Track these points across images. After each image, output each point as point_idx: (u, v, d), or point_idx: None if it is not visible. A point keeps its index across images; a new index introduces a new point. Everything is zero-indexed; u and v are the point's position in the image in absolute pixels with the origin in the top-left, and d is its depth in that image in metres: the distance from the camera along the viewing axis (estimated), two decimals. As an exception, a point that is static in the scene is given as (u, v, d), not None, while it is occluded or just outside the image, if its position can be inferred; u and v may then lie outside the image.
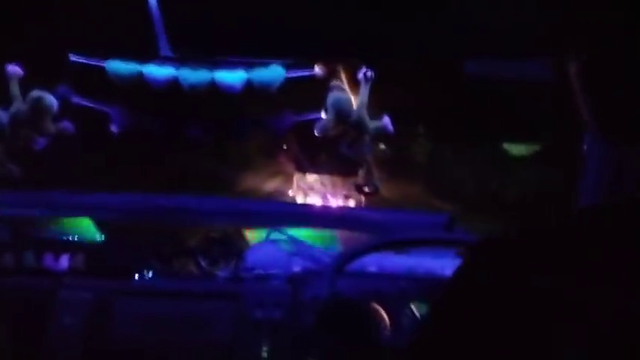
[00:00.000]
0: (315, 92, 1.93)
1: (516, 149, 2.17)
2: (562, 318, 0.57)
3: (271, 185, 2.21)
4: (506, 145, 2.16)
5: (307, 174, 2.15)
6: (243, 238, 1.79)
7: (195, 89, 1.91)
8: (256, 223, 1.86)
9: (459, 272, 0.66)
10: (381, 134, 1.93)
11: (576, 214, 0.68)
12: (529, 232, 0.65)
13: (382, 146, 2.08)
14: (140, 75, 1.91)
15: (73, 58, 1.87)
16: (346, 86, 1.89)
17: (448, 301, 0.66)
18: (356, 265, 1.52)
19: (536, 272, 0.60)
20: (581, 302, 0.57)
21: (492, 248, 0.65)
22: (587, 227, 0.63)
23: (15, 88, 1.84)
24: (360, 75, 1.85)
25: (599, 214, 0.65)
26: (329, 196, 2.11)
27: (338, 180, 2.10)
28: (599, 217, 0.64)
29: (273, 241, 1.76)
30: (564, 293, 0.58)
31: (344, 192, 2.09)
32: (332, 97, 1.88)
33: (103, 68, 1.89)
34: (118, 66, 1.91)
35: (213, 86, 1.91)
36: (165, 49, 1.87)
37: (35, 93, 1.85)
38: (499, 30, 1.38)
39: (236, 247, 1.72)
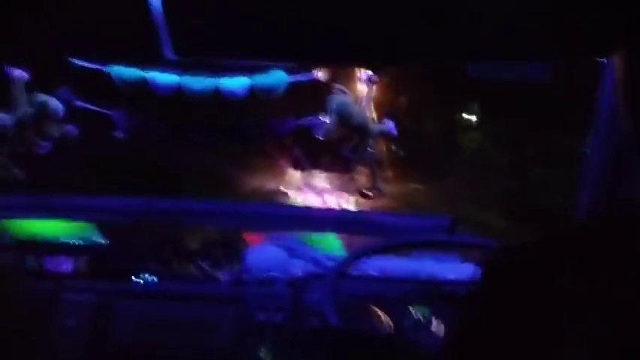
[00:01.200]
0: (317, 96, 1.93)
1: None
2: (577, 318, 0.58)
3: (273, 188, 2.22)
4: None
5: (310, 177, 2.15)
6: (244, 241, 1.79)
7: (198, 95, 1.92)
8: (258, 225, 1.86)
9: (483, 279, 0.67)
10: (385, 137, 1.94)
11: (594, 220, 0.69)
12: (550, 238, 0.66)
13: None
14: (144, 80, 1.91)
15: (76, 62, 1.88)
16: (349, 90, 1.90)
17: (474, 306, 0.67)
18: (357, 268, 1.51)
19: (557, 276, 0.61)
20: (598, 303, 0.58)
21: (514, 255, 0.66)
22: (606, 234, 0.63)
23: (20, 92, 1.85)
24: (364, 79, 1.86)
25: (619, 220, 0.66)
26: (330, 199, 2.11)
27: (340, 182, 2.10)
28: (620, 224, 0.64)
29: (275, 244, 1.76)
30: (582, 294, 0.59)
31: (346, 194, 2.09)
32: (335, 100, 1.88)
33: (107, 73, 1.90)
34: (121, 71, 1.91)
35: (217, 92, 1.92)
36: (169, 55, 1.88)
37: (40, 97, 1.86)
38: (500, 32, 1.38)
39: (237, 250, 1.72)
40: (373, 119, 1.90)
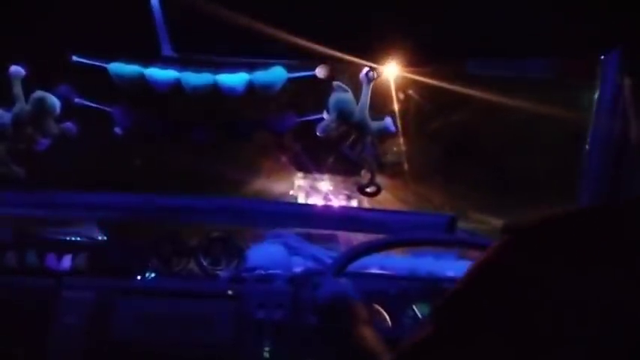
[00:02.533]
0: (317, 93, 1.93)
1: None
2: (573, 313, 0.58)
3: (273, 185, 2.21)
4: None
5: (309, 174, 2.15)
6: (244, 238, 1.79)
7: (197, 91, 1.92)
8: (258, 223, 1.87)
9: (477, 277, 0.67)
10: (384, 135, 1.94)
11: (609, 209, 0.69)
12: (559, 223, 0.66)
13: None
14: (142, 77, 1.91)
15: (75, 59, 1.87)
16: (348, 87, 1.89)
17: (476, 283, 0.67)
18: (357, 265, 1.52)
19: (561, 271, 0.61)
20: (599, 302, 0.58)
21: (528, 237, 0.66)
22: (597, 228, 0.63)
23: (18, 89, 1.84)
24: (363, 75, 1.85)
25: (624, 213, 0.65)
26: (331, 197, 2.11)
27: (340, 180, 2.10)
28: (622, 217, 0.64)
29: (275, 242, 1.76)
30: (581, 292, 0.59)
31: (346, 192, 2.09)
32: (334, 97, 1.88)
33: (105, 69, 1.90)
34: (120, 68, 1.91)
35: (216, 88, 1.91)
36: (167, 51, 1.88)
37: (38, 94, 1.86)
38: (501, 30, 1.38)
39: (238, 247, 1.73)
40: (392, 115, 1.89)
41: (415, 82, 1.96)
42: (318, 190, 2.13)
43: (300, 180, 2.18)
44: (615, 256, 0.60)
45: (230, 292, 1.58)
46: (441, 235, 1.70)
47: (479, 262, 0.68)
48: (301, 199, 2.16)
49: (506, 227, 0.68)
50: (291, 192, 2.18)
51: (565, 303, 0.59)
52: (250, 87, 1.91)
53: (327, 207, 2.08)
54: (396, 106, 2.06)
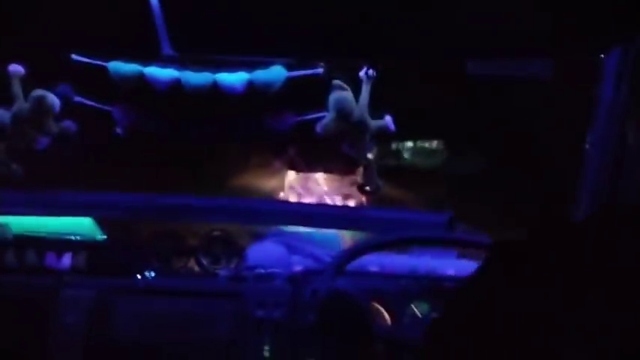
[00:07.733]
0: (316, 92, 1.93)
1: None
2: (569, 332, 0.58)
3: (272, 184, 2.22)
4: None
5: (309, 173, 2.15)
6: (244, 237, 1.80)
7: (197, 90, 1.92)
8: (258, 222, 1.87)
9: (478, 274, 0.66)
10: (383, 134, 1.93)
11: (594, 221, 0.69)
12: (548, 234, 0.65)
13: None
14: (142, 76, 1.91)
15: (75, 57, 1.87)
16: (347, 86, 1.89)
17: (465, 300, 0.67)
18: (357, 264, 1.52)
19: (550, 282, 0.61)
20: (591, 317, 0.58)
21: (513, 253, 0.66)
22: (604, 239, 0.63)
23: (17, 88, 1.84)
24: (362, 74, 1.85)
25: (614, 221, 0.65)
26: (330, 195, 2.11)
27: (339, 179, 2.10)
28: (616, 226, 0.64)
29: (275, 240, 1.77)
30: (573, 307, 0.59)
31: (345, 191, 2.09)
32: (334, 96, 1.88)
33: (105, 68, 1.90)
34: (120, 66, 1.91)
35: (215, 87, 1.92)
36: (167, 50, 1.87)
37: (37, 92, 1.85)
38: (501, 30, 1.38)
39: (237, 246, 1.73)
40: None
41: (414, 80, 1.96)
42: (318, 189, 2.13)
43: (299, 178, 2.18)
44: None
45: (230, 291, 1.58)
46: (441, 234, 1.70)
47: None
48: (300, 198, 2.16)
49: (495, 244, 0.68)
50: (289, 190, 2.18)
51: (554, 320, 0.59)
52: (250, 86, 1.91)
53: (326, 206, 2.08)
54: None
